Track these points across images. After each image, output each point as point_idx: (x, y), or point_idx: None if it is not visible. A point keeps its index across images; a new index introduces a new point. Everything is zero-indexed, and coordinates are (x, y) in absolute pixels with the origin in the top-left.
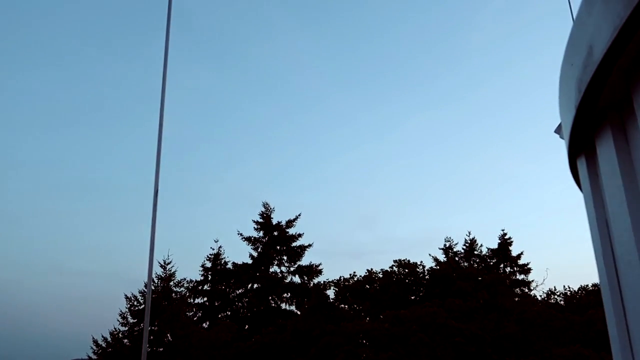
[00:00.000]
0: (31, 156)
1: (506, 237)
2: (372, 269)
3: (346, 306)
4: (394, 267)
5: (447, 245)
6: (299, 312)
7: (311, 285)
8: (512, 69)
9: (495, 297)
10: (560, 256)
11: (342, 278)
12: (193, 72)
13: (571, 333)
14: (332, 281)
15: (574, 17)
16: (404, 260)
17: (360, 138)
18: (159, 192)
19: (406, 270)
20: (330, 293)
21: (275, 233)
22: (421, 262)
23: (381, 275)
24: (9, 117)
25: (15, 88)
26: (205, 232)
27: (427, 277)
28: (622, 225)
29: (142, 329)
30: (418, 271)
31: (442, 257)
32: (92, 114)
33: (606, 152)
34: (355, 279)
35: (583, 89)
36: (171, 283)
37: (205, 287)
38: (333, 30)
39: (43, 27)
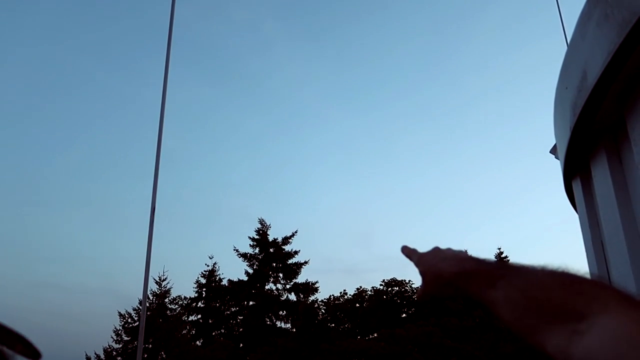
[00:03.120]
0: (25, 172)
1: (502, 255)
2: (361, 287)
3: (337, 325)
4: (382, 286)
5: None
6: (295, 330)
7: (308, 302)
8: (508, 88)
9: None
10: None
11: (331, 297)
12: (192, 88)
13: None
14: (322, 300)
15: (568, 40)
16: (391, 279)
17: (358, 156)
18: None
19: (396, 289)
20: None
21: (272, 250)
22: (409, 280)
23: (370, 293)
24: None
25: (12, 96)
26: (200, 248)
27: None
28: (617, 246)
29: (136, 346)
30: (407, 289)
31: None
32: (90, 128)
33: (601, 174)
34: (346, 297)
35: (577, 112)
36: (166, 300)
37: (199, 304)
38: (332, 49)
39: (39, 37)
